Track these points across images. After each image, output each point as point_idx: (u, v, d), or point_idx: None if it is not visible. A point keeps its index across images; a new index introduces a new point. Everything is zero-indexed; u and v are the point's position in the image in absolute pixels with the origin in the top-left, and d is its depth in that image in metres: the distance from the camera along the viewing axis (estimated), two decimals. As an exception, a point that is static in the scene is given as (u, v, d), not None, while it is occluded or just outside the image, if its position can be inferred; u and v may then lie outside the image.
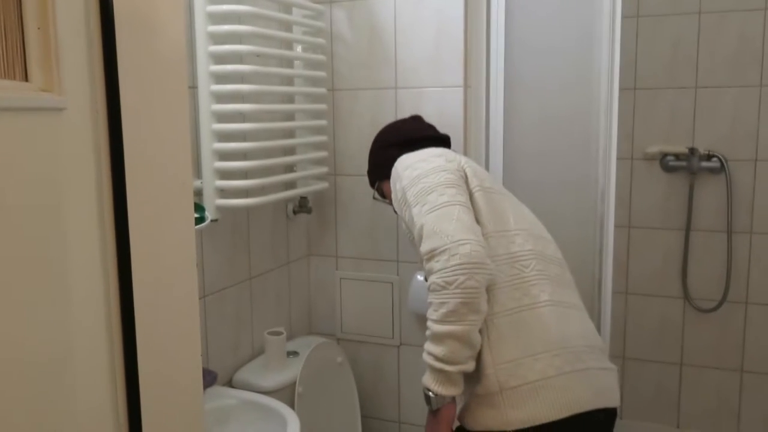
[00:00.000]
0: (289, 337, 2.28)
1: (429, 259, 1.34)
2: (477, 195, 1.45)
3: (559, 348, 1.36)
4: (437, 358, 1.32)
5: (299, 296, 2.35)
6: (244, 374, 1.98)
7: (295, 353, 2.11)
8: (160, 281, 0.73)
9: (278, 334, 2.01)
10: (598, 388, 1.38)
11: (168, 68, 0.70)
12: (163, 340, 0.76)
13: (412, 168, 1.50)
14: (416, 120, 1.89)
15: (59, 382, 0.62)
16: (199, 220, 1.66)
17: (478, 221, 1.41)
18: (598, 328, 2.14)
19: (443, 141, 1.80)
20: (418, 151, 1.59)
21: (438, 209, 1.37)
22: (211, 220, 1.77)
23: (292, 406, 1.90)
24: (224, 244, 1.94)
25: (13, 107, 0.43)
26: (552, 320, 1.38)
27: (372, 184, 1.87)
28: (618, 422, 2.88)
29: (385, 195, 1.80)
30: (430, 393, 1.34)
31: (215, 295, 1.91)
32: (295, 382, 1.95)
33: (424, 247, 1.35)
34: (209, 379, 1.73)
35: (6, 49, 0.41)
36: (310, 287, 2.40)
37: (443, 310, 1.30)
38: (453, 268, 1.29)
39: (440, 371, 1.32)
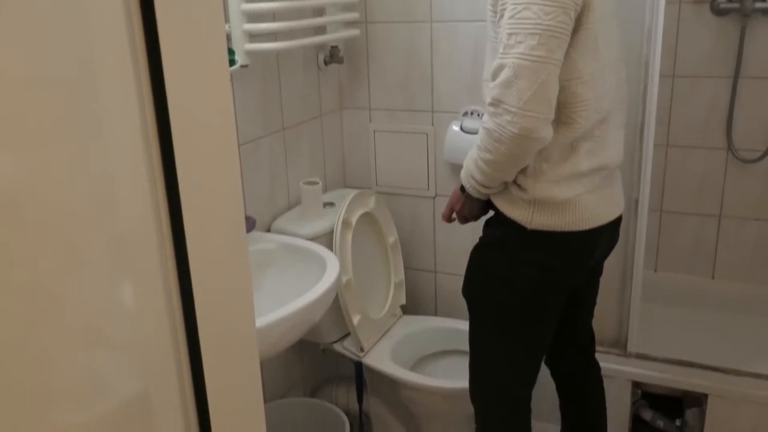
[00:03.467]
0: (324, 189, 2.29)
1: (492, 104, 1.28)
2: (590, 32, 1.29)
3: (596, 171, 1.44)
4: (477, 181, 1.45)
5: (333, 149, 2.34)
6: (281, 223, 2.01)
7: (330, 204, 2.12)
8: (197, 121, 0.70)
9: (314, 183, 2.01)
10: (614, 202, 1.53)
11: None
12: (204, 185, 0.74)
13: None
14: None
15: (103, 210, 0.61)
16: (229, 63, 1.62)
17: (576, 61, 1.30)
18: (638, 181, 2.10)
19: None
20: None
21: (528, 60, 1.23)
22: (241, 66, 1.74)
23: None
24: (255, 92, 1.90)
25: None
26: (598, 149, 1.43)
27: None
28: (652, 275, 2.91)
29: None
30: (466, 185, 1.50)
31: (250, 144, 1.90)
32: (332, 231, 1.97)
33: (495, 91, 1.27)
34: (249, 224, 1.76)
35: None
36: (343, 140, 2.38)
37: (489, 157, 1.35)
38: (509, 134, 1.27)
39: (476, 185, 1.46)
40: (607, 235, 1.54)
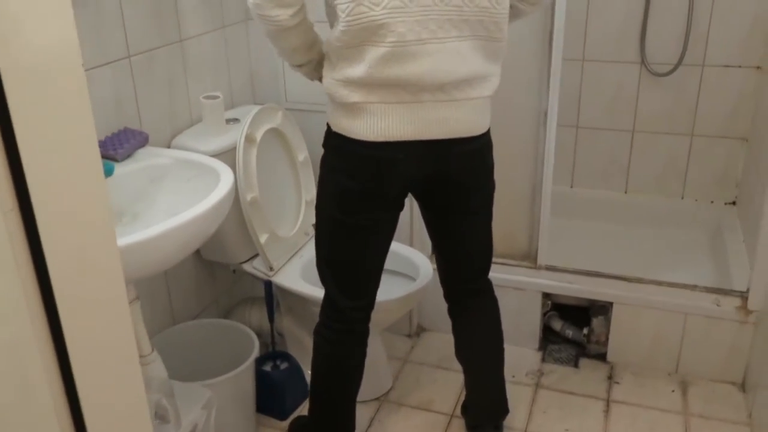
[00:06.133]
0: (231, 106, 2.20)
1: None
2: None
3: (396, 83, 1.37)
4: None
5: (239, 64, 2.24)
6: (182, 140, 1.92)
7: (235, 120, 2.04)
8: None
9: (214, 98, 1.93)
10: (434, 122, 1.42)
11: None
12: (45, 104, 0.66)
13: None
14: None
15: None
16: (107, -38, 1.50)
17: None
18: (546, 94, 2.08)
19: None
20: None
21: None
22: (125, -33, 1.62)
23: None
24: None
25: None
26: (397, 59, 1.35)
27: None
28: (568, 191, 2.95)
29: None
30: None
31: (142, 55, 1.79)
32: (234, 148, 1.91)
33: None
34: (141, 139, 1.67)
35: None
36: (250, 54, 2.28)
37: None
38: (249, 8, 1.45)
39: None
40: (433, 155, 1.45)
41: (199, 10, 2.00)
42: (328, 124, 1.52)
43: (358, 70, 1.37)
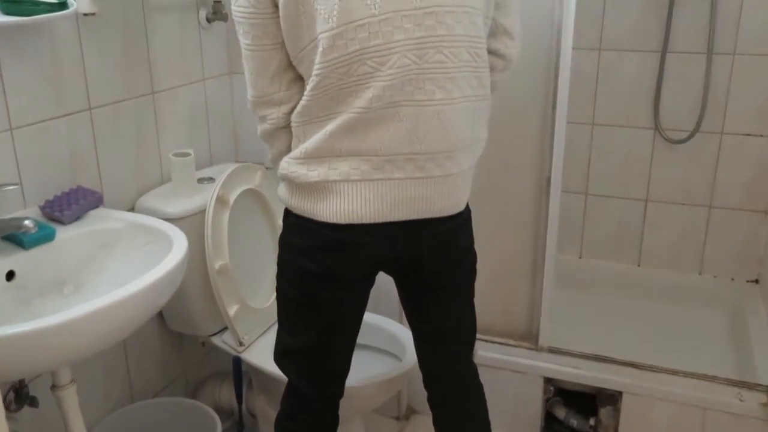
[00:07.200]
0: (209, 164, 2.05)
1: None
2: (281, 11, 1.20)
3: (356, 156, 1.21)
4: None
5: (221, 119, 2.09)
6: (147, 200, 1.76)
7: (210, 179, 1.88)
8: None
9: (185, 155, 1.77)
10: (397, 200, 1.24)
11: None
12: None
13: None
14: None
15: None
16: (60, 6, 1.36)
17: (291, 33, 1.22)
18: (549, 159, 1.91)
19: None
20: None
21: (243, 50, 1.29)
22: (84, 14, 1.48)
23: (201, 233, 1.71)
24: (112, 47, 1.64)
25: None
26: (358, 129, 1.19)
27: None
28: (576, 261, 2.75)
29: None
30: None
31: (106, 108, 1.65)
32: (205, 210, 1.74)
33: None
34: (93, 200, 1.50)
35: None
36: (233, 109, 2.14)
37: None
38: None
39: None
40: (402, 237, 1.28)
41: (175, 61, 1.86)
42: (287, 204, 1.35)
43: (316, 140, 1.22)
